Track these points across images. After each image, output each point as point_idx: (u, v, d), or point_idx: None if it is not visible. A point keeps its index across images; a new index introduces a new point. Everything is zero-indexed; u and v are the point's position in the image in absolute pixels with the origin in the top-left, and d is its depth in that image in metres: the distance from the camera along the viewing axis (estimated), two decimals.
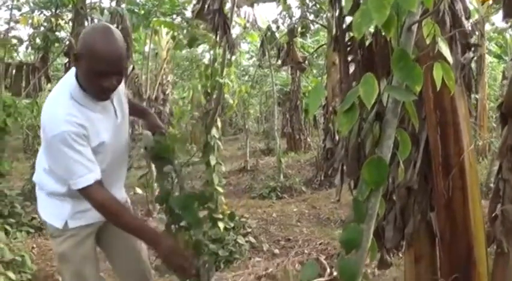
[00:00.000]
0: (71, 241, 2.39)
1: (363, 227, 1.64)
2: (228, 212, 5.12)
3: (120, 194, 2.52)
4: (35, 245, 5.34)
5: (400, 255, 3.08)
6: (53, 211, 2.42)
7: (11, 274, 4.05)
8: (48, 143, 2.17)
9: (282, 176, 8.84)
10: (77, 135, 2.09)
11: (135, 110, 2.63)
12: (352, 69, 2.83)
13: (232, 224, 5.09)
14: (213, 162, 4.62)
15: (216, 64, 5.10)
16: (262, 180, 9.62)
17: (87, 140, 2.14)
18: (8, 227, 4.47)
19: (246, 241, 4.99)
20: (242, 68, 14.90)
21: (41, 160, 2.40)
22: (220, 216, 4.94)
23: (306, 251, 4.83)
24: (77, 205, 2.34)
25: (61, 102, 2.15)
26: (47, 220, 2.44)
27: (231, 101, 6.00)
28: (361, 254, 1.66)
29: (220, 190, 4.93)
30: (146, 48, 9.70)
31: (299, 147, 13.06)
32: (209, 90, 5.03)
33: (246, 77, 14.98)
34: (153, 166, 5.98)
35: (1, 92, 6.54)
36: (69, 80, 2.22)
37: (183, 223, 2.03)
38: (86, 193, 2.13)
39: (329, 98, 8.86)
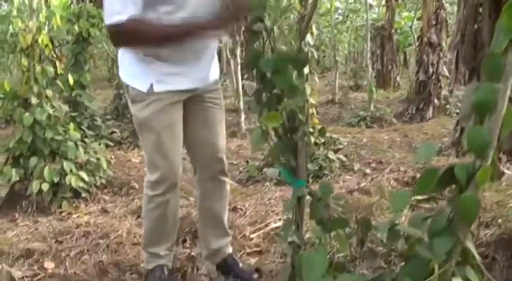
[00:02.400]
0: (154, 106, 2.29)
1: (498, 87, 1.46)
2: (319, 126, 4.92)
3: (200, 75, 2.41)
4: (113, 156, 5.39)
5: None
6: (137, 73, 2.33)
7: (84, 175, 4.01)
8: None
9: (372, 106, 8.60)
10: None
11: None
12: None
13: (322, 140, 4.91)
14: (306, 70, 4.44)
15: None
16: (351, 109, 9.50)
17: None
18: (86, 140, 4.44)
19: (337, 158, 4.82)
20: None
21: None
22: (311, 130, 4.67)
23: (401, 168, 4.60)
24: (166, 67, 2.28)
25: None
26: (130, 82, 2.35)
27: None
28: (495, 120, 1.47)
29: (312, 101, 4.75)
30: None
31: (388, 85, 12.64)
32: None
33: (336, 15, 14.45)
34: None
35: (85, 2, 6.58)
36: None
37: (275, 90, 1.79)
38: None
39: (424, 29, 8.42)
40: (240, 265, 2.63)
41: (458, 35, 2.48)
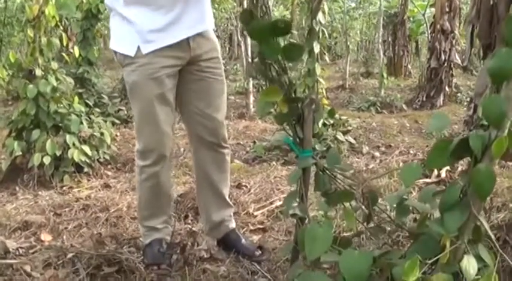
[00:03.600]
0: (144, 70, 2.22)
1: None
2: (328, 107, 4.76)
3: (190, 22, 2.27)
4: (118, 134, 5.36)
5: None
6: (124, 36, 2.27)
7: (87, 149, 3.93)
8: None
9: (382, 92, 8.50)
10: None
11: None
12: None
13: (331, 121, 4.83)
14: (316, 50, 4.33)
15: None
16: (362, 94, 9.39)
17: None
18: (92, 117, 4.36)
19: (346, 140, 4.76)
20: None
21: None
22: None
23: (411, 151, 4.51)
24: (151, 22, 2.20)
25: None
26: (118, 49, 2.30)
27: None
28: None
29: (322, 81, 4.63)
30: None
31: (399, 73, 12.44)
32: None
33: (349, 1, 14.28)
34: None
35: None
36: None
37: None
38: None
39: (437, 16, 8.27)
40: (243, 240, 2.56)
41: (474, 9, 2.36)
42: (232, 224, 2.60)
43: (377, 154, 4.73)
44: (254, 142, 5.26)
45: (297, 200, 1.70)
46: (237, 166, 4.21)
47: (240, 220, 2.94)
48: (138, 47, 2.22)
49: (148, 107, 2.25)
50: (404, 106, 8.06)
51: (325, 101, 4.92)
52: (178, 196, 3.24)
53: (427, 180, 3.59)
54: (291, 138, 1.73)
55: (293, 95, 1.68)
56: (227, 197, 2.60)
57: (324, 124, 4.73)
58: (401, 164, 4.10)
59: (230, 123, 6.23)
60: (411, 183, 1.68)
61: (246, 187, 3.56)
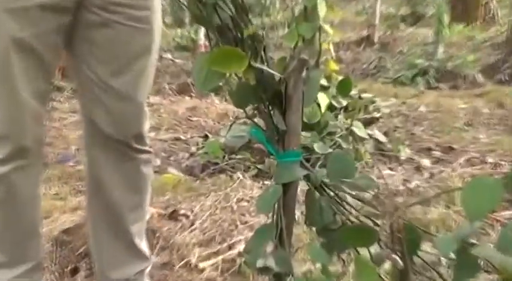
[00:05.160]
0: None
1: None
2: (339, 77, 2.82)
3: None
4: None
5: None
6: None
7: None
8: None
9: (440, 52, 5.63)
10: None
11: None
12: None
13: (343, 102, 3.08)
14: None
15: None
16: (402, 54, 6.36)
17: None
18: None
19: (370, 135, 3.08)
20: None
21: None
22: (323, 81, 2.86)
23: (489, 159, 2.97)
24: None
25: None
26: None
27: None
28: None
29: (330, 30, 2.60)
30: None
31: (473, 18, 7.91)
32: None
33: None
34: None
35: None
36: None
37: None
38: None
39: None
40: None
41: None
42: None
43: (426, 161, 3.13)
44: (205, 137, 3.49)
45: (273, 241, 0.95)
46: (172, 180, 2.73)
47: (173, 279, 1.86)
48: None
49: (4, 65, 1.35)
50: (480, 76, 5.30)
51: (334, 66, 3.05)
52: (62, 231, 2.07)
53: (507, 213, 2.36)
54: (264, 132, 0.98)
55: (264, 56, 0.94)
56: (139, 240, 1.63)
57: (331, 107, 3.02)
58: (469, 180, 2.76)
59: (163, 102, 4.19)
60: (483, 214, 0.92)
61: (186, 217, 2.25)
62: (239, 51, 0.87)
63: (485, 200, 0.88)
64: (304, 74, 0.95)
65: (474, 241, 0.95)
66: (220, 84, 0.94)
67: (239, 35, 0.92)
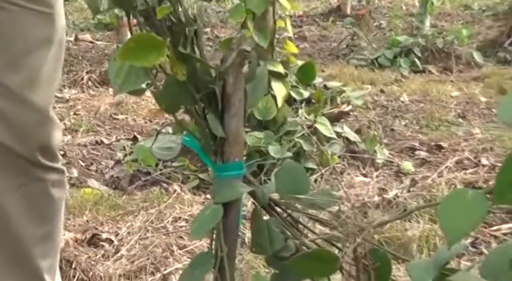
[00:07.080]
0: None
1: None
2: (299, 62, 2.60)
3: None
4: None
5: None
6: None
7: None
8: None
9: (426, 28, 4.74)
10: None
11: None
12: None
13: (305, 93, 2.64)
14: None
15: None
16: (380, 30, 5.41)
17: None
18: None
19: (338, 134, 2.60)
20: None
21: None
22: (279, 68, 2.41)
23: (484, 160, 2.58)
24: None
25: None
26: None
27: None
28: None
29: (286, 2, 2.33)
30: None
31: None
32: None
33: None
34: None
35: None
36: None
37: None
38: None
39: None
40: None
41: None
42: None
43: (408, 163, 2.66)
44: (134, 140, 2.95)
45: (211, 273, 0.78)
46: (92, 196, 2.30)
47: None
48: None
49: None
50: (475, 57, 4.39)
51: (293, 48, 2.57)
52: None
53: (504, 227, 1.98)
54: (197, 140, 0.81)
55: (195, 42, 0.77)
56: (50, 277, 1.31)
57: (290, 100, 2.59)
58: (453, 186, 2.31)
59: (80, 96, 3.61)
60: (462, 234, 0.76)
61: (110, 242, 1.91)
62: (156, 37, 0.70)
63: (465, 217, 0.72)
64: (246, 68, 0.79)
65: (452, 267, 0.80)
66: (144, 86, 0.78)
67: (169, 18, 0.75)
